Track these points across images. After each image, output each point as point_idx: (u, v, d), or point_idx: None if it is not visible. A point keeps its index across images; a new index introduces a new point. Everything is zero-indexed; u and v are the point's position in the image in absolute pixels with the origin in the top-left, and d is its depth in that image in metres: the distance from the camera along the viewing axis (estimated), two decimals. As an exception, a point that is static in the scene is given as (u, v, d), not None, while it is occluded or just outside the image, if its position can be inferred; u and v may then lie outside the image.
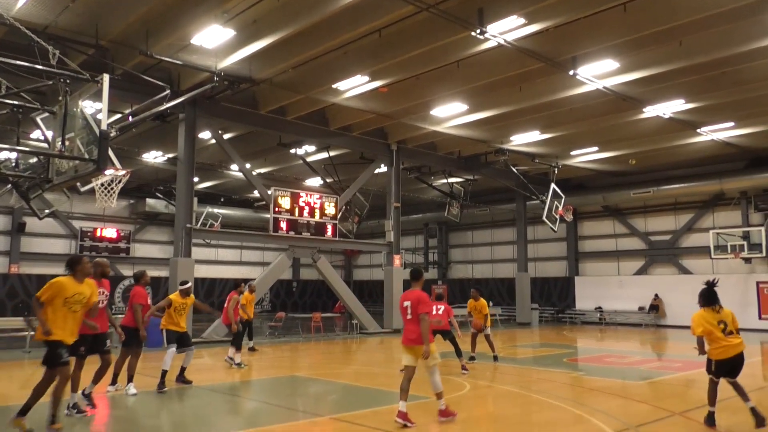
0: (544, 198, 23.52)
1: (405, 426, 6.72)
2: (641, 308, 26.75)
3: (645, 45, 13.79)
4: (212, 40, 13.67)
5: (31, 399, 6.18)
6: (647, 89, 16.51)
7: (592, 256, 29.86)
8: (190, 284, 10.52)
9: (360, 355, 15.78)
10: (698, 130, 20.18)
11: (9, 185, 18.36)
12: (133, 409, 8.45)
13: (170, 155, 23.46)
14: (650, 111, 18.12)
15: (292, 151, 22.90)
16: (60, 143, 7.98)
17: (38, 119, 11.69)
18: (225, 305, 13.18)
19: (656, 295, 26.41)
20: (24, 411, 6.14)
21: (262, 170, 26.68)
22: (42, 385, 6.26)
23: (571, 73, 15.10)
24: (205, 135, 20.24)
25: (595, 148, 23.10)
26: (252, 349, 15.25)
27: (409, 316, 7.22)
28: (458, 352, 11.51)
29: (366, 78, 15.79)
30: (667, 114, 18.40)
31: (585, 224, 30.34)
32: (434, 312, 11.25)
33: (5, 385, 10.34)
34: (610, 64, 14.67)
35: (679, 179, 25.65)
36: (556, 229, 24.27)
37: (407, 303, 7.29)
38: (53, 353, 6.24)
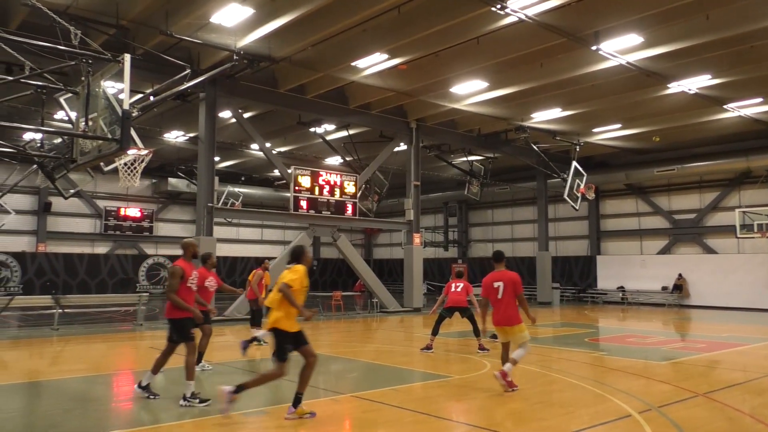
0: (566, 176, 23.25)
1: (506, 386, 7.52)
2: (664, 288, 26.48)
3: (670, 19, 13.44)
4: (231, 18, 13.65)
5: (300, 385, 6.32)
6: (672, 64, 16.14)
7: (614, 234, 29.55)
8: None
9: (380, 334, 15.90)
10: (725, 106, 19.71)
11: (35, 165, 18.66)
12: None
13: (191, 134, 23.62)
14: (675, 87, 17.73)
15: (312, 129, 22.88)
16: (83, 123, 8.06)
17: (62, 100, 11.85)
18: (250, 280, 12.90)
19: (680, 275, 26.11)
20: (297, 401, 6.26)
21: (282, 149, 26.75)
22: (271, 376, 6.41)
23: (593, 48, 14.81)
24: (225, 114, 20.32)
25: (618, 125, 22.72)
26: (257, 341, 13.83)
27: (500, 296, 7.66)
28: (476, 331, 11.30)
29: (385, 55, 15.66)
30: (692, 90, 17.99)
31: (607, 203, 29.98)
32: (453, 289, 11.42)
33: (36, 362, 10.63)
34: (633, 38, 14.35)
35: (704, 157, 25.16)
36: (577, 208, 24.01)
37: (498, 284, 7.70)
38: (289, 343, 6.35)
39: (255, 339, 12.15)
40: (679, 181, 27.12)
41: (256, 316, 12.67)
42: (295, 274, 6.41)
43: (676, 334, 16.00)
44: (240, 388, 6.27)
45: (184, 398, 6.94)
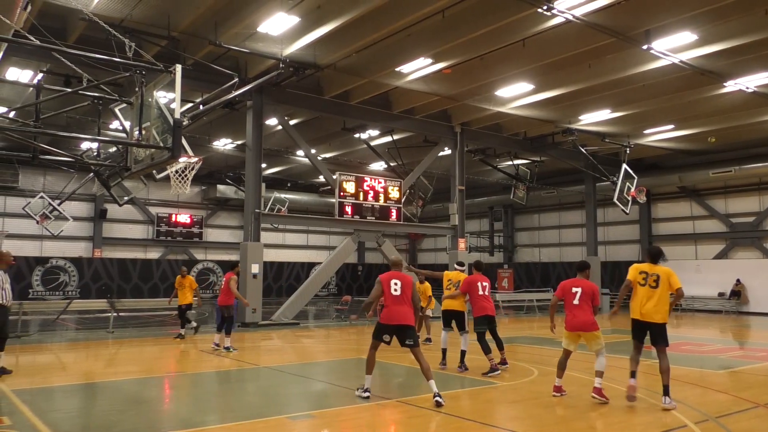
0: (615, 179, 22.65)
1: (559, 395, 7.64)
2: (721, 294, 25.47)
3: (726, 15, 12.96)
4: (278, 27, 13.90)
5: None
6: (729, 62, 15.56)
7: (667, 239, 28.61)
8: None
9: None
10: (786, 105, 18.87)
11: (91, 174, 19.41)
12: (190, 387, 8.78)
13: (239, 142, 24.13)
14: (732, 85, 17.07)
15: (356, 135, 23.03)
16: (137, 132, 8.32)
17: (116, 110, 12.25)
18: (224, 286, 12.39)
19: (738, 281, 25.07)
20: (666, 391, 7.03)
21: (327, 155, 27.02)
22: None
23: (644, 47, 14.42)
24: (271, 121, 20.67)
25: (671, 126, 22.04)
26: (194, 330, 14.44)
27: (576, 302, 7.63)
28: (499, 344, 9.93)
29: (429, 60, 15.64)
30: (750, 88, 17.29)
31: (659, 206, 29.08)
32: (481, 291, 10.15)
33: (92, 364, 11.01)
34: (687, 36, 13.90)
35: (764, 157, 24.11)
36: (628, 212, 23.36)
37: (577, 289, 7.68)
38: None
39: (227, 348, 11.93)
40: (736, 183, 26.07)
41: (227, 323, 12.17)
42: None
43: (735, 342, 15.34)
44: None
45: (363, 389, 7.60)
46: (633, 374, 7.36)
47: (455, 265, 10.77)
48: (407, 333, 7.53)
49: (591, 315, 7.64)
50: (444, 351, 10.11)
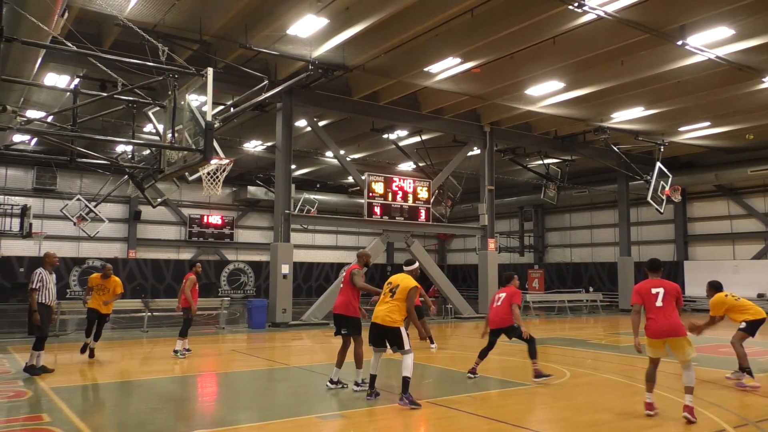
0: (649, 178, 22.20)
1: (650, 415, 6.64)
2: (760, 295, 24.71)
3: (764, 8, 12.61)
4: (307, 29, 14.00)
5: None
6: (767, 57, 15.11)
7: (703, 238, 27.96)
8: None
9: (454, 340, 15.74)
10: (828, 100, 18.26)
11: (126, 176, 19.81)
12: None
13: (269, 144, 24.36)
14: (771, 80, 16.60)
15: (385, 136, 23.04)
16: (170, 135, 8.46)
17: (150, 113, 12.53)
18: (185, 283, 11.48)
19: (778, 281, 24.35)
20: None
21: (356, 156, 27.10)
22: None
23: (679, 43, 14.10)
24: (301, 123, 20.82)
25: (707, 123, 21.52)
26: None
27: (659, 303, 6.62)
28: (532, 352, 8.88)
29: (458, 60, 15.57)
30: (790, 83, 16.78)
31: (695, 205, 28.43)
32: (495, 303, 9.18)
33: (127, 363, 11.23)
34: (723, 31, 13.56)
35: (805, 154, 23.39)
36: (662, 211, 22.85)
37: (658, 290, 6.69)
38: None
39: (187, 350, 11.42)
40: (776, 181, 25.33)
41: (186, 326, 11.37)
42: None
43: (775, 346, 14.89)
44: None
45: (356, 384, 7.86)
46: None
47: (403, 266, 8.02)
48: (340, 322, 7.98)
49: (677, 318, 6.60)
50: (373, 379, 7.53)
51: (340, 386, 8.01)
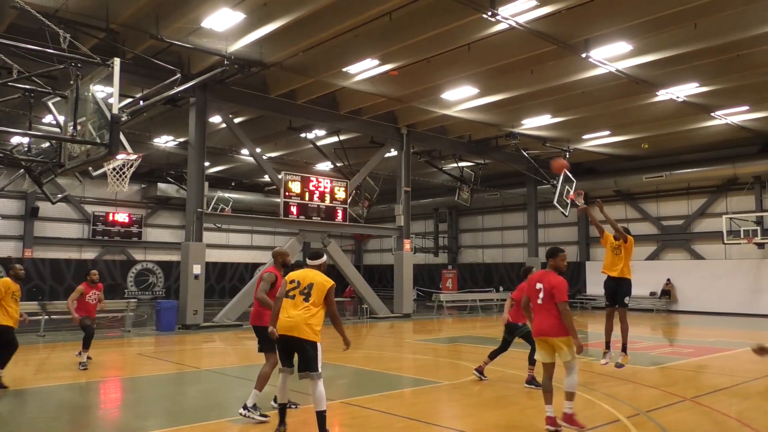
0: (555, 182, 23.39)
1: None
2: (653, 293, 26.63)
3: (659, 27, 13.58)
4: (222, 23, 13.64)
5: None
6: (661, 72, 16.31)
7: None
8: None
9: (370, 340, 15.86)
10: (712, 114, 19.94)
11: (22, 170, 18.46)
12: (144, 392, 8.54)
13: (181, 139, 23.53)
14: (664, 94, 17.91)
15: (303, 135, 22.86)
16: (72, 128, 8.01)
17: (50, 104, 11.76)
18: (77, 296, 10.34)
19: (668, 280, 26.29)
20: None
21: (273, 154, 26.71)
22: None
23: (583, 55, 14.93)
24: (215, 119, 20.26)
25: (607, 132, 22.91)
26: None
27: (540, 302, 6.30)
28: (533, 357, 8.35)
29: (376, 61, 15.70)
30: (680, 97, 18.18)
31: (597, 209, 30.13)
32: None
33: (21, 369, 10.49)
34: (623, 46, 14.49)
35: (692, 163, 25.43)
36: (567, 214, 24.17)
37: (540, 285, 6.33)
38: None
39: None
40: (667, 188, 27.35)
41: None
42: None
43: (664, 339, 16.09)
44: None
45: (245, 408, 6.42)
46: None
47: (308, 259, 6.18)
48: (256, 334, 6.97)
49: (555, 317, 6.09)
50: (283, 409, 6.00)
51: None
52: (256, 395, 6.48)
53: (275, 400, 6.49)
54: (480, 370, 8.95)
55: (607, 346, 8.87)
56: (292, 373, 5.95)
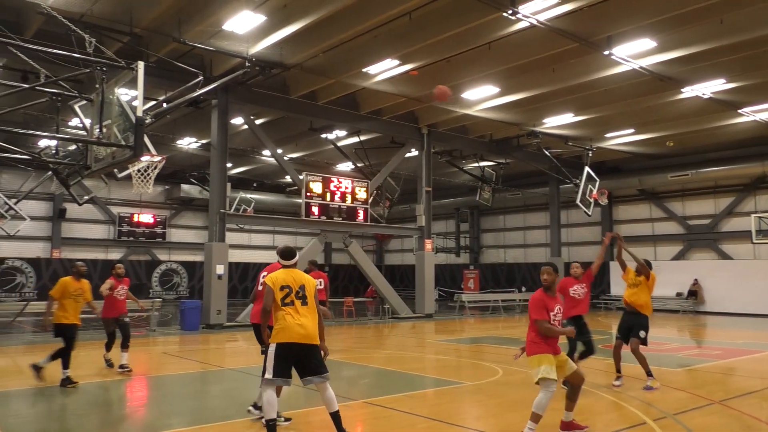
0: (578, 181, 23.11)
1: None
2: (679, 294, 26.20)
3: (684, 23, 13.36)
4: (243, 25, 13.75)
5: None
6: (686, 69, 16.03)
7: (627, 240, 28.56)
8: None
9: (392, 340, 15.86)
10: (740, 111, 19.53)
11: (50, 172, 18.88)
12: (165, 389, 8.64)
13: (204, 141, 23.78)
14: (689, 91, 17.60)
15: (323, 135, 22.95)
16: (97, 130, 8.15)
17: (76, 107, 11.96)
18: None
19: (695, 281, 25.83)
20: None
21: (294, 155, 26.86)
22: None
23: (606, 53, 14.75)
24: (237, 120, 20.44)
25: (631, 130, 22.60)
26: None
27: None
28: (589, 350, 8.77)
29: (396, 61, 15.69)
30: (706, 94, 17.84)
31: (620, 208, 29.77)
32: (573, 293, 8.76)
33: (51, 367, 10.69)
34: (647, 43, 14.27)
35: (719, 162, 24.95)
36: (590, 213, 23.84)
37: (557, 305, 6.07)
38: None
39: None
40: (693, 187, 26.88)
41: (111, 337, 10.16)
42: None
43: (692, 341, 15.81)
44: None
45: (255, 406, 6.50)
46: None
47: (281, 258, 5.86)
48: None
49: (531, 334, 5.90)
50: (273, 424, 5.49)
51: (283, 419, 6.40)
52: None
53: (255, 407, 6.43)
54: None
55: (618, 371, 8.69)
56: (290, 385, 5.74)
